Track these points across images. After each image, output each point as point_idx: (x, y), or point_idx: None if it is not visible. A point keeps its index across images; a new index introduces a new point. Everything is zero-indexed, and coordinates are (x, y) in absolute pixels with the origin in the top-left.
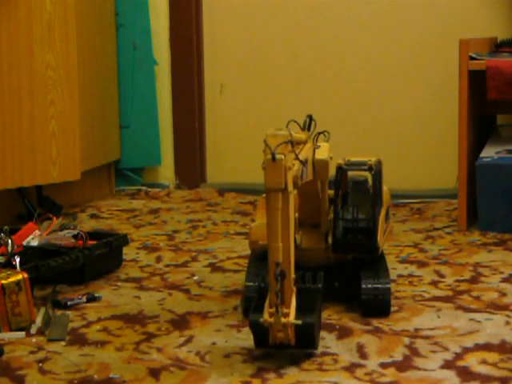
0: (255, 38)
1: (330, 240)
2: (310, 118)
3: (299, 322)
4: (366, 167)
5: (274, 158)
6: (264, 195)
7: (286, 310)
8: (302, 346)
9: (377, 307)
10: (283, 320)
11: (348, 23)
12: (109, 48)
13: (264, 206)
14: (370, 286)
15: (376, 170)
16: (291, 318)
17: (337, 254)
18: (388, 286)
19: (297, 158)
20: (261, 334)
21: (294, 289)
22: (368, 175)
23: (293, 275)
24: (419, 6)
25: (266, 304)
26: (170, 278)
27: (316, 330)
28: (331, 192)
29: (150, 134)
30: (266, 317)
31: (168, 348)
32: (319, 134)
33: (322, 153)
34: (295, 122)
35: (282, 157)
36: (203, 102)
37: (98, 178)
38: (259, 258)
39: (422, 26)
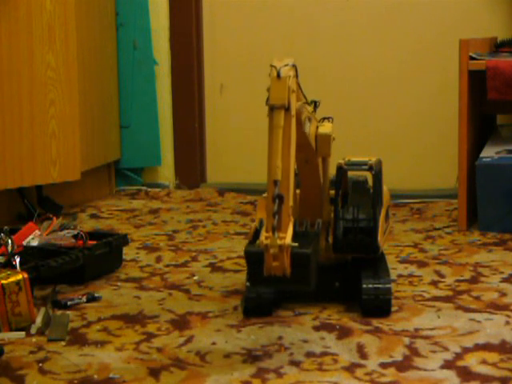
0: (255, 38)
1: (330, 240)
2: (315, 103)
3: (296, 244)
4: (366, 167)
5: (278, 75)
6: (264, 195)
7: (282, 235)
8: (296, 281)
9: (377, 307)
10: (279, 242)
11: (348, 24)
12: (109, 48)
13: (264, 206)
14: (370, 285)
15: (376, 170)
16: (287, 241)
17: (337, 253)
18: (388, 285)
19: (300, 88)
20: (255, 264)
21: (292, 218)
22: (368, 175)
23: (291, 203)
24: (419, 6)
25: (263, 229)
26: (170, 278)
27: (312, 264)
28: (331, 192)
29: (150, 133)
30: (261, 239)
31: (168, 348)
32: (323, 119)
33: (325, 128)
34: None
35: (287, 75)
36: (203, 102)
37: (97, 178)
38: None
39: (422, 26)
